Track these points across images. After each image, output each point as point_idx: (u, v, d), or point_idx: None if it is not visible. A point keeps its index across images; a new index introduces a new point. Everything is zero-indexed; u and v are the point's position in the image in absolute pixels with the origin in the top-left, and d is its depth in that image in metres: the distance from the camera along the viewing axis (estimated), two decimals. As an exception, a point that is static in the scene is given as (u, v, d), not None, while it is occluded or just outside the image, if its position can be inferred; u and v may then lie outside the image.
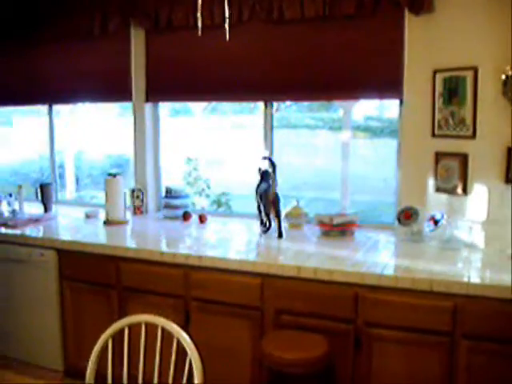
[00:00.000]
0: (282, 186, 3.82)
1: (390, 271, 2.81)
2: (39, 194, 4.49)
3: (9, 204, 4.42)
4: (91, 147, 7.60)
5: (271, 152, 4.06)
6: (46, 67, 4.70)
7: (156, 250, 3.29)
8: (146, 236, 3.81)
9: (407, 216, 3.36)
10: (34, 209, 4.50)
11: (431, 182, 3.46)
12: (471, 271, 2.82)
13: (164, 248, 3.41)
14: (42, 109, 5.09)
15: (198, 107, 5.51)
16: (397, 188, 3.71)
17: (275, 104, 4.10)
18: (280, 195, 3.59)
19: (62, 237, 3.68)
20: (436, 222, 3.26)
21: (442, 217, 3.25)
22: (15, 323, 3.84)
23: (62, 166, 6.58)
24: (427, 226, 3.32)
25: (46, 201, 4.50)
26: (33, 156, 7.49)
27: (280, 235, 3.52)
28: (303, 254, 3.16)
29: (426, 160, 3.47)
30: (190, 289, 3.18)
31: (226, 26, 2.82)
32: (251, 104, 5.43)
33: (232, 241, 3.57)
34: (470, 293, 2.60)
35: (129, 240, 3.74)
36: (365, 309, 2.78)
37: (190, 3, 3.85)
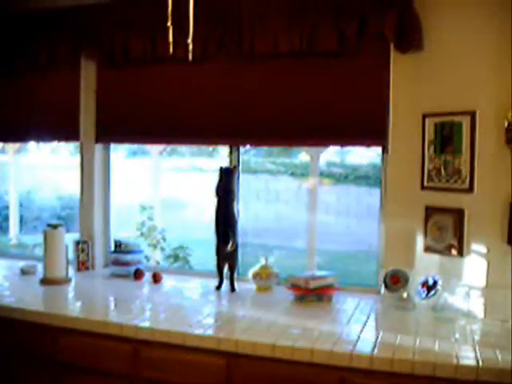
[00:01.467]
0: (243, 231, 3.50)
1: (384, 351, 2.32)
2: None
3: None
4: (41, 187, 7.04)
5: (237, 199, 3.60)
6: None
7: (99, 319, 2.73)
8: (90, 300, 3.20)
9: (395, 280, 2.92)
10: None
11: (420, 241, 3.05)
12: (463, 349, 2.36)
13: (109, 317, 2.82)
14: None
15: (155, 149, 5.02)
16: (379, 246, 3.28)
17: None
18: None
19: (-13, 300, 3.07)
20: (429, 289, 2.82)
21: (437, 283, 2.82)
22: None
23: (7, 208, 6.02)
24: (419, 293, 2.88)
25: (-25, 253, 3.91)
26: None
27: (233, 289, 3.27)
28: (276, 326, 2.65)
29: (414, 215, 3.07)
30: (140, 368, 2.63)
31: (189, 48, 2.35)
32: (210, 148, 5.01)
33: (190, 307, 3.02)
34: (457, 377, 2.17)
35: (68, 305, 3.12)
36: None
37: (148, 33, 3.42)
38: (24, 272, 3.62)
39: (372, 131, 3.17)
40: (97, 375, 2.70)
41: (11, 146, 5.45)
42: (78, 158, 3.89)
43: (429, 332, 2.57)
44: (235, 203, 3.35)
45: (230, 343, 2.45)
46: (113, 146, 3.95)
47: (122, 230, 4.95)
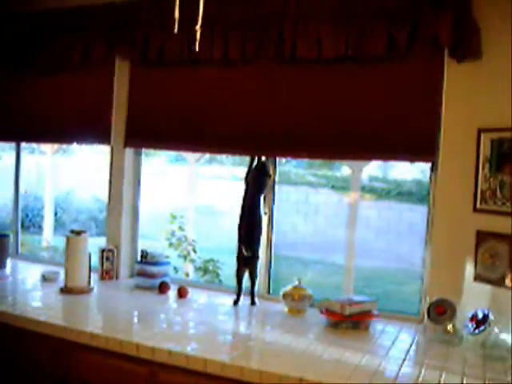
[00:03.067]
0: (279, 244, 3.41)
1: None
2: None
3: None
4: (81, 189, 6.97)
5: (271, 210, 3.38)
6: (18, 101, 4.01)
7: (113, 336, 2.52)
8: (108, 314, 3.01)
9: (441, 311, 2.63)
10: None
11: (470, 269, 2.76)
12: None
13: (125, 335, 2.57)
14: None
15: (191, 156, 4.83)
16: (424, 271, 3.00)
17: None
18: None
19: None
20: (478, 323, 2.53)
21: (488, 317, 2.52)
22: None
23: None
24: (467, 327, 2.59)
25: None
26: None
27: (253, 302, 3.17)
28: (308, 356, 2.41)
29: (463, 239, 2.79)
30: (154, 393, 2.42)
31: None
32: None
33: (214, 328, 2.78)
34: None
35: (83, 318, 2.88)
36: None
37: (186, 33, 3.22)
38: (45, 279, 3.46)
39: (421, 146, 2.89)
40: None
41: (49, 147, 5.38)
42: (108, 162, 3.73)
43: (477, 372, 2.28)
44: (261, 202, 3.23)
45: (254, 374, 2.21)
46: (153, 152, 3.76)
47: (152, 239, 4.78)
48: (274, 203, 3.39)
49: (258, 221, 3.22)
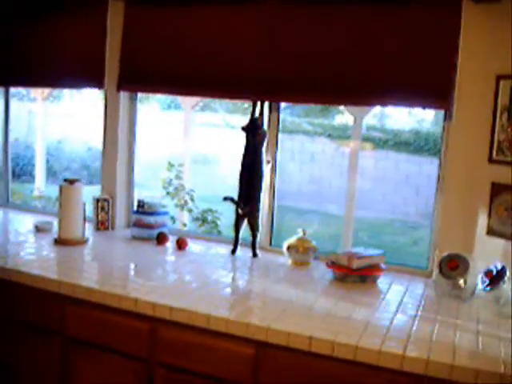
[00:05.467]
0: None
1: (441, 354, 1.94)
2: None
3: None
4: (72, 137, 6.77)
5: (275, 159, 3.23)
6: (6, 45, 3.78)
7: (112, 291, 2.39)
8: (105, 266, 2.88)
9: (453, 266, 2.53)
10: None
11: (483, 222, 2.65)
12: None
13: (123, 289, 2.45)
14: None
15: (187, 103, 4.64)
16: (434, 224, 2.89)
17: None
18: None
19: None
20: (493, 279, 2.43)
21: (504, 272, 2.42)
22: None
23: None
24: (482, 282, 2.49)
25: (-11, 206, 3.63)
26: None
27: (255, 254, 3.09)
28: (314, 311, 2.31)
29: (477, 192, 2.67)
30: (156, 351, 2.31)
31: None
32: (245, 104, 4.61)
33: (215, 281, 2.66)
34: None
35: (79, 271, 2.71)
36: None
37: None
38: (38, 229, 3.33)
39: (435, 91, 2.72)
40: (110, 353, 2.40)
41: (39, 93, 5.15)
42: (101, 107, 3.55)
43: (492, 331, 2.19)
44: (262, 157, 3.12)
45: (259, 331, 2.11)
46: (146, 97, 3.57)
47: (148, 188, 4.62)
48: (277, 151, 3.24)
49: (258, 176, 3.10)
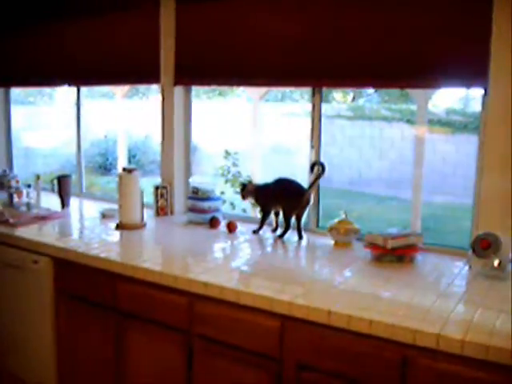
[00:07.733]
0: (353, 180, 3.25)
1: (452, 328, 1.99)
2: (56, 187, 3.96)
3: (27, 196, 3.91)
4: (155, 133, 7.14)
5: (319, 147, 3.32)
6: (70, 45, 4.13)
7: (153, 268, 2.61)
8: (155, 247, 3.14)
9: (485, 245, 2.53)
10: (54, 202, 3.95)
11: (522, 201, 2.62)
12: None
13: (169, 267, 2.68)
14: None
15: (255, 93, 4.78)
16: (474, 203, 2.88)
17: (352, 93, 3.34)
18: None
19: (60, 242, 3.07)
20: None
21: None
22: (4, 334, 3.37)
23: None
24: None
25: (63, 194, 3.96)
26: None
27: (300, 236, 3.15)
28: (340, 288, 2.40)
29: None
30: (193, 323, 2.50)
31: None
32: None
33: (256, 260, 2.84)
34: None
35: (133, 252, 2.97)
36: (416, 381, 2.01)
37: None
38: (104, 216, 3.61)
39: (473, 70, 2.71)
40: (156, 325, 2.62)
41: (120, 90, 5.47)
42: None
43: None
44: None
45: (283, 306, 2.23)
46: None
47: (209, 176, 4.83)
48: (321, 136, 3.31)
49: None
